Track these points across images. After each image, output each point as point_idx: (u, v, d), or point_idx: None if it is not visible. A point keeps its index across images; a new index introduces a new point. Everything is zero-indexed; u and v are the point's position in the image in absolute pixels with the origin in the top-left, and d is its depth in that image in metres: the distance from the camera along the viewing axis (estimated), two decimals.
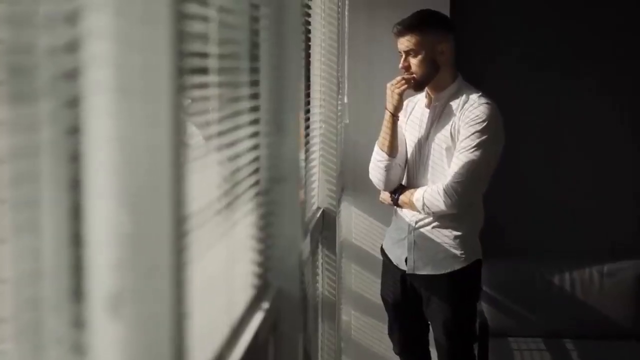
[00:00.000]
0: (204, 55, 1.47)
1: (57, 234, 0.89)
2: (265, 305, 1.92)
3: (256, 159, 1.98)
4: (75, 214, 0.91)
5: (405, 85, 3.13)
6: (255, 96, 1.98)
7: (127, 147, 0.90)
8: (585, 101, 4.45)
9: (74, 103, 0.89)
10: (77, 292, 0.92)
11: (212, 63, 1.53)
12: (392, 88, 3.15)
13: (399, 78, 3.14)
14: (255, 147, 1.97)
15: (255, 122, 1.97)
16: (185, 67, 1.04)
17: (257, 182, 1.97)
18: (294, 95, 2.07)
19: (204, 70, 1.49)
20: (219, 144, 1.69)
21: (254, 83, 1.98)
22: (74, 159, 0.90)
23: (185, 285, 1.01)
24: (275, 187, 2.04)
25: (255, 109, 1.97)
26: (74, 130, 0.90)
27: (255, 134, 1.97)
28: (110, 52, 0.89)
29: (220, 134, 1.70)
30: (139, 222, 0.92)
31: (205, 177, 1.61)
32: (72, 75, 0.89)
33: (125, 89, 0.90)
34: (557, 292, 4.28)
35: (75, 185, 0.90)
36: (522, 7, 4.43)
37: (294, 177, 2.06)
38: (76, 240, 0.91)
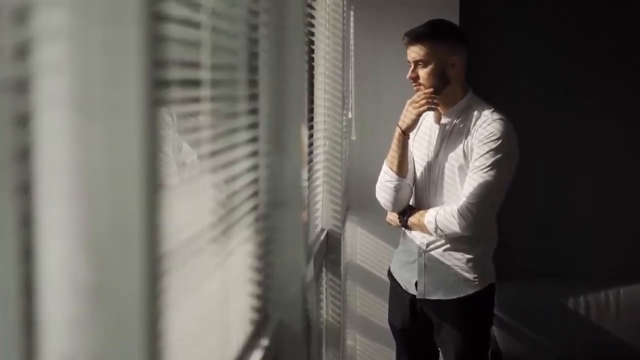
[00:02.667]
0: (194, 65, 1.30)
1: (3, 282, 0.71)
2: (265, 342, 1.74)
3: (255, 180, 1.81)
4: (25, 257, 0.73)
5: (426, 107, 2.99)
6: (253, 112, 1.81)
7: (88, 176, 0.73)
8: (598, 120, 4.34)
9: (21, 121, 0.71)
10: (26, 353, 0.74)
11: (204, 74, 1.36)
12: (410, 108, 3.01)
13: (421, 95, 2.99)
14: (254, 167, 1.80)
15: (253, 140, 1.81)
16: (165, 78, 0.86)
17: (255, 207, 1.80)
18: (296, 111, 1.91)
19: (195, 83, 1.32)
20: (213, 165, 1.53)
21: (253, 97, 1.81)
22: (23, 190, 0.72)
23: (160, 342, 0.83)
24: (275, 212, 1.87)
25: (253, 125, 1.80)
26: (22, 155, 0.72)
27: (253, 154, 1.80)
28: (66, 57, 0.72)
29: (215, 153, 1.54)
30: (101, 268, 0.74)
31: (198, 202, 1.45)
32: (20, 86, 0.71)
33: (84, 103, 0.72)
34: (571, 316, 4.16)
35: (24, 223, 0.72)
36: (531, 23, 4.33)
37: (296, 200, 1.89)
38: (26, 289, 0.73)
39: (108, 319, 0.75)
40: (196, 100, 1.33)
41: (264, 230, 1.84)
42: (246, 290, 1.73)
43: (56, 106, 0.73)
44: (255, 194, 1.81)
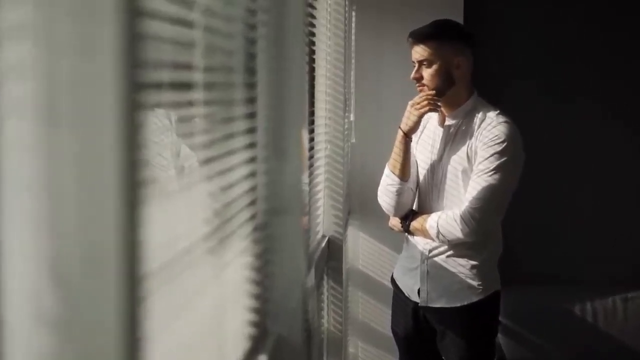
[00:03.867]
0: (186, 66, 1.21)
1: None
2: (263, 358, 1.65)
3: (253, 188, 1.71)
4: None
5: (428, 108, 2.91)
6: (251, 115, 1.72)
7: (55, 193, 0.64)
8: (604, 123, 4.26)
9: None
10: None
11: (197, 76, 1.27)
12: (411, 110, 2.94)
13: (422, 97, 2.92)
14: (252, 174, 1.71)
15: (251, 145, 1.71)
16: (147, 81, 0.77)
17: (254, 216, 1.71)
18: (296, 114, 1.82)
19: (187, 85, 1.23)
20: (208, 172, 1.44)
21: (250, 100, 1.72)
22: None
23: None
24: (274, 220, 1.77)
25: (251, 130, 1.71)
26: None
27: (251, 160, 1.71)
28: (31, 58, 0.63)
29: (210, 160, 1.45)
30: (71, 297, 0.65)
31: (192, 212, 1.36)
32: None
33: (51, 110, 0.63)
34: (578, 322, 4.07)
35: None
36: (536, 25, 4.25)
37: (296, 208, 1.80)
38: None
39: (78, 354, 0.66)
40: (189, 104, 1.24)
41: (262, 240, 1.75)
42: (243, 304, 1.63)
43: (19, 113, 0.64)
44: (253, 202, 1.72)
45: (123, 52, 0.66)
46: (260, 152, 1.75)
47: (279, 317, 1.81)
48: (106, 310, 0.66)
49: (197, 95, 1.27)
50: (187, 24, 1.18)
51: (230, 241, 1.51)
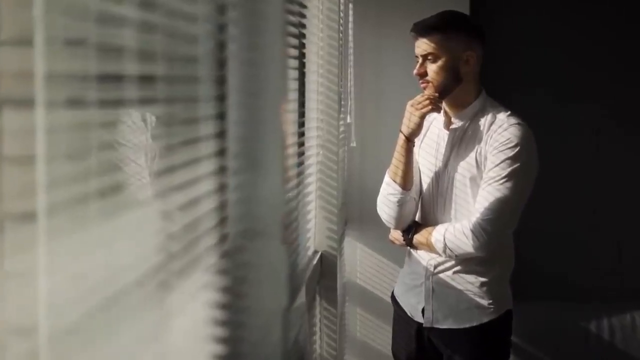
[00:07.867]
0: (115, 50, 0.91)
1: None
2: None
3: (222, 205, 1.43)
4: None
5: (430, 107, 2.70)
6: (220, 117, 1.44)
7: None
8: (619, 129, 4.15)
9: None
10: None
11: (131, 67, 0.97)
12: (412, 110, 2.73)
13: (423, 96, 2.72)
14: (221, 188, 1.43)
15: (220, 153, 1.43)
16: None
17: (223, 238, 1.43)
18: (277, 116, 1.53)
19: (117, 78, 0.93)
20: (164, 186, 1.17)
21: (219, 98, 1.43)
22: None
23: None
24: (249, 244, 1.49)
25: (219, 134, 1.43)
26: None
27: (220, 170, 1.43)
28: None
29: (165, 171, 1.18)
30: None
31: (140, 237, 1.07)
32: None
33: None
34: (595, 341, 3.97)
35: None
36: (543, 24, 4.14)
37: (275, 229, 1.51)
38: None
39: None
40: (119, 103, 0.94)
41: (233, 269, 1.46)
42: (206, 352, 1.34)
43: None
44: (222, 222, 1.43)
45: None
46: (231, 162, 1.47)
47: (256, 358, 1.52)
48: None
49: (130, 92, 0.96)
50: None
51: (188, 274, 1.22)
